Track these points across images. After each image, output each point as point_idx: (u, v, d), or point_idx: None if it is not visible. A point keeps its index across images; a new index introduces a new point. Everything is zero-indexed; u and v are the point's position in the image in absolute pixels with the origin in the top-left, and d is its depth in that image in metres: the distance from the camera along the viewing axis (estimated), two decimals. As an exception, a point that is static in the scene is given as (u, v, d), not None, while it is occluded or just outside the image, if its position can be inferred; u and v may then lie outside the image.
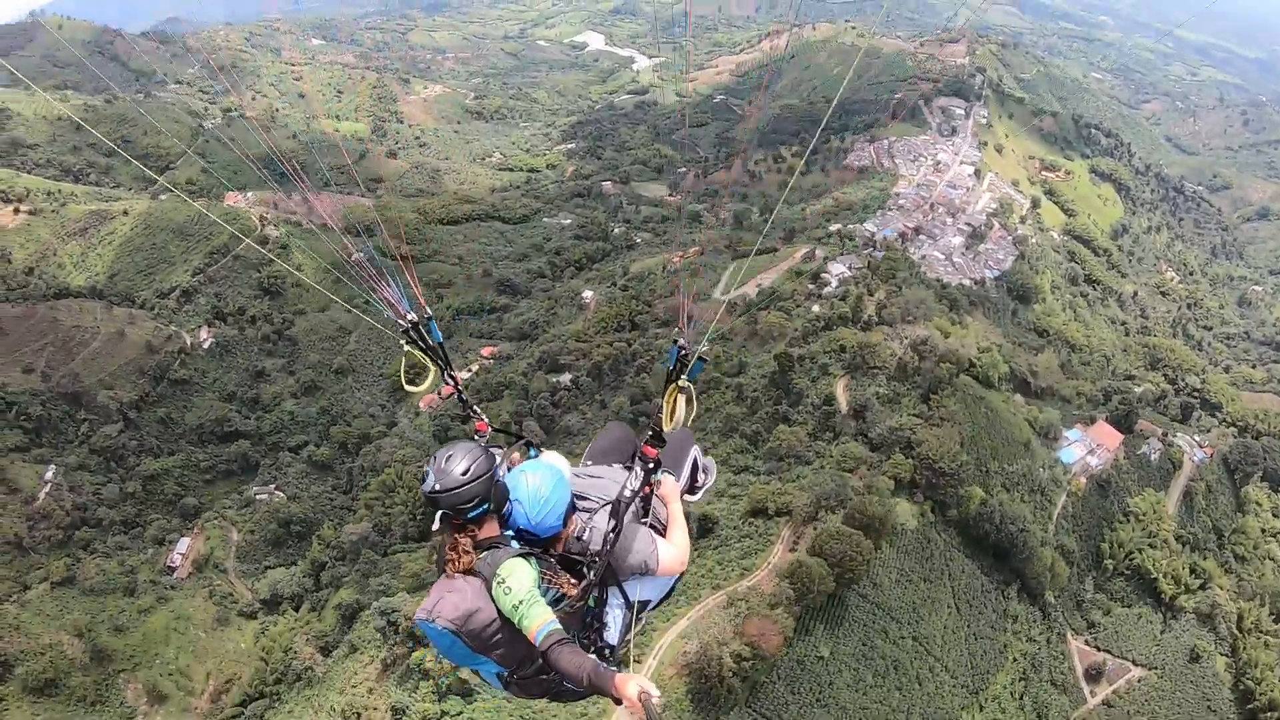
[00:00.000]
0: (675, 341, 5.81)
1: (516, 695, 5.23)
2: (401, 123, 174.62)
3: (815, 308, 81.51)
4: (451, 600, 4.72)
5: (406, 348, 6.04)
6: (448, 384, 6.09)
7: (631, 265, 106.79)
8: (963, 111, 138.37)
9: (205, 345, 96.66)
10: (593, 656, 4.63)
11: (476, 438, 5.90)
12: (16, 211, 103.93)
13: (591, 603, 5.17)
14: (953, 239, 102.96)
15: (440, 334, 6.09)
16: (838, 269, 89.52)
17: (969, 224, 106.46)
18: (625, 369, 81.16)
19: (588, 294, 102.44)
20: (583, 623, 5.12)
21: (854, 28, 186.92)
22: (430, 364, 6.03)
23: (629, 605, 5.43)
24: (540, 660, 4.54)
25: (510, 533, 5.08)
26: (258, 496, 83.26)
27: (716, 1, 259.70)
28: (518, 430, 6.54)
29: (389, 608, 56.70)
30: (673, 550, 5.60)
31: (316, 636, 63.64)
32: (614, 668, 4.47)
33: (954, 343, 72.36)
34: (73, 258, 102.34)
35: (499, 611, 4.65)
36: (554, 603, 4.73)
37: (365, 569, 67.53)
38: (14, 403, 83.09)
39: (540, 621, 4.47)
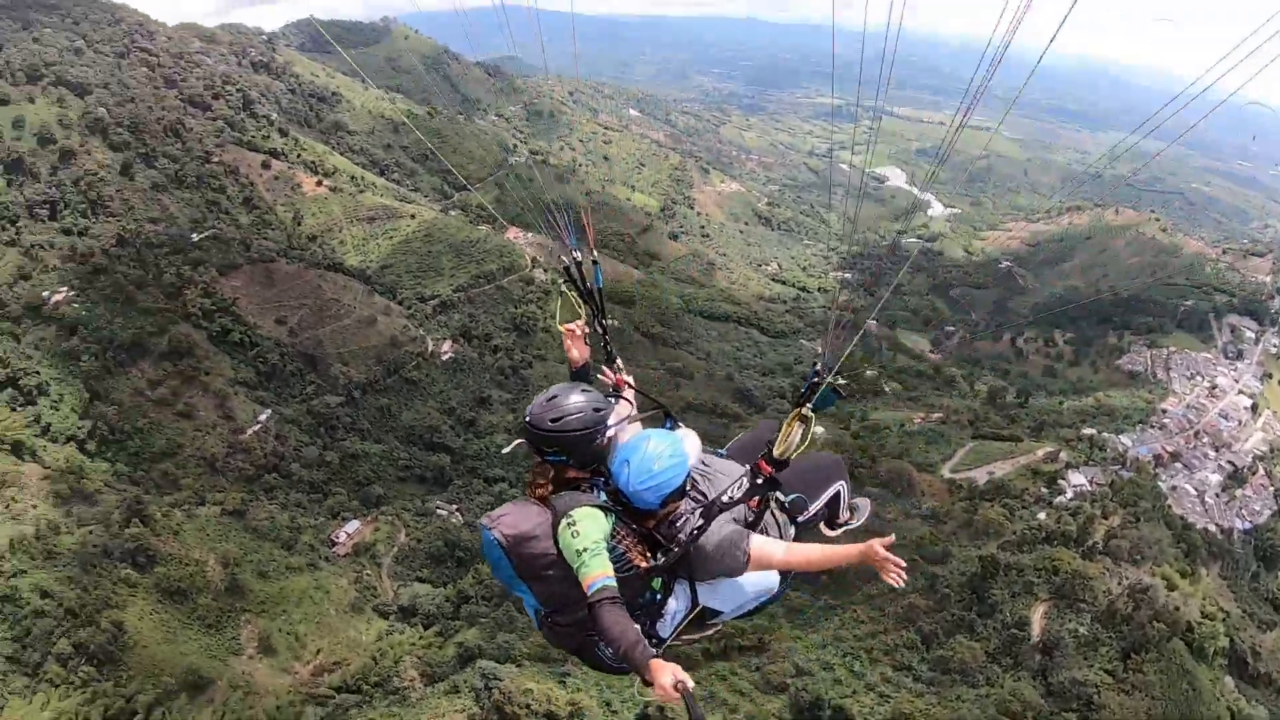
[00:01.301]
0: (814, 366, 5.84)
1: (547, 639, 5.11)
2: (691, 209, 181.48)
3: (1041, 515, 78.73)
4: (515, 517, 4.73)
5: (563, 286, 6.16)
6: (597, 330, 6.12)
7: (871, 413, 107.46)
8: (1253, 335, 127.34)
9: (444, 356, 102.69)
10: (638, 628, 4.44)
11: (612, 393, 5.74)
12: (319, 184, 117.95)
13: (656, 586, 4.99)
14: (1210, 475, 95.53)
15: (602, 280, 6.12)
16: (1077, 479, 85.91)
17: (1231, 462, 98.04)
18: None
19: (819, 430, 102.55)
20: (637, 601, 4.85)
21: (1157, 219, 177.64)
22: (584, 307, 5.98)
23: (694, 605, 5.22)
24: (584, 612, 4.42)
25: (601, 484, 5.03)
26: (438, 510, 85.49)
27: (1022, 164, 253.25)
28: (658, 399, 6.01)
29: (491, 673, 57.21)
30: (761, 566, 5.14)
31: (428, 663, 64.51)
32: (655, 651, 4.39)
33: (1178, 598, 67.94)
34: (354, 240, 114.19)
35: (558, 550, 4.58)
36: (617, 567, 4.55)
37: (501, 621, 67.16)
38: (258, 344, 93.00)
39: (599, 573, 4.38)
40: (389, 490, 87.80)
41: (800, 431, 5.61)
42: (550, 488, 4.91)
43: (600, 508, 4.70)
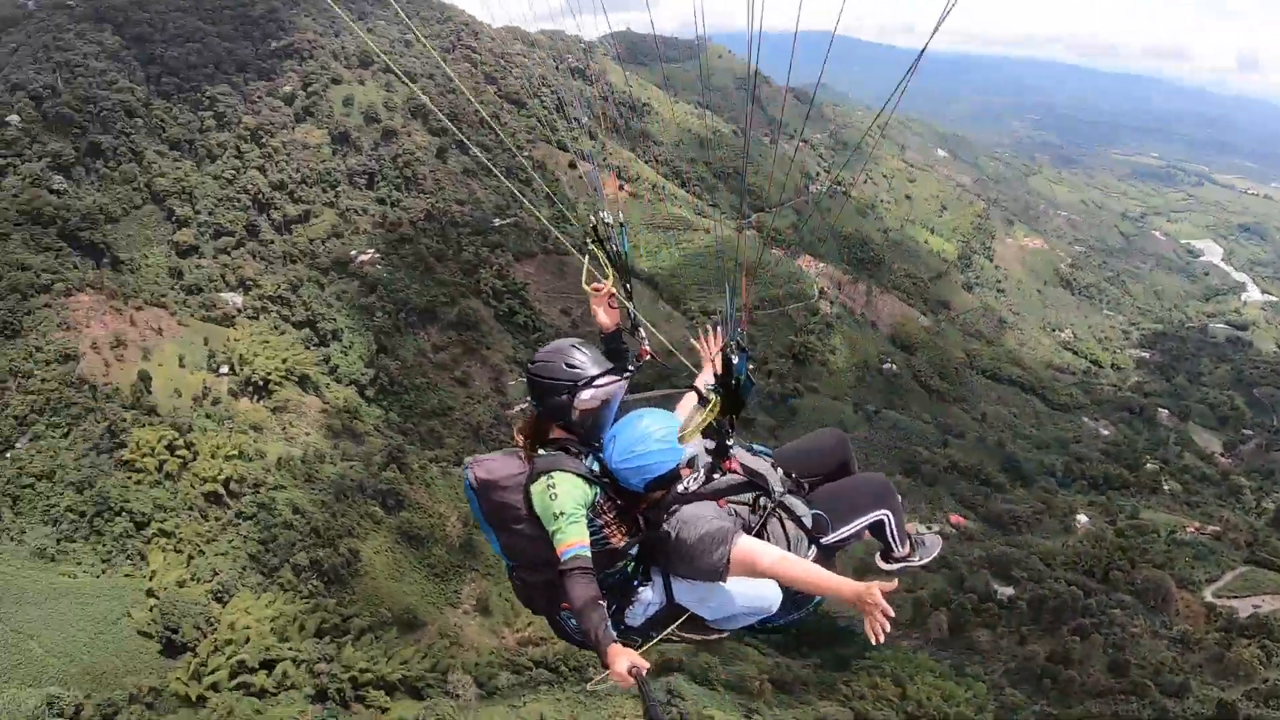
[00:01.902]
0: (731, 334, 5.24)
1: (515, 593, 4.90)
2: (990, 260, 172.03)
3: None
4: (496, 465, 4.61)
5: (591, 245, 5.68)
6: (621, 293, 5.55)
7: (1142, 510, 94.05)
8: None
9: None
10: (605, 608, 4.20)
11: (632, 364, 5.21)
12: (621, 189, 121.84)
13: (628, 569, 4.71)
14: None
15: (628, 244, 5.68)
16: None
17: None
18: (1070, 617, 73.21)
19: (1082, 519, 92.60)
20: (605, 579, 4.51)
21: None
22: (610, 270, 5.59)
23: (669, 600, 4.82)
24: (551, 574, 4.26)
25: (592, 454, 4.67)
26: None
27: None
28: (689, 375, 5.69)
29: (679, 691, 55.21)
30: (745, 569, 4.50)
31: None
32: (616, 636, 4.19)
33: None
34: (647, 246, 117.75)
35: (529, 507, 4.38)
36: (593, 541, 4.32)
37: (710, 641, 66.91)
38: (540, 329, 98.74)
39: (575, 541, 4.17)
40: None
41: (702, 414, 5.12)
42: (528, 437, 4.71)
43: (584, 477, 4.42)
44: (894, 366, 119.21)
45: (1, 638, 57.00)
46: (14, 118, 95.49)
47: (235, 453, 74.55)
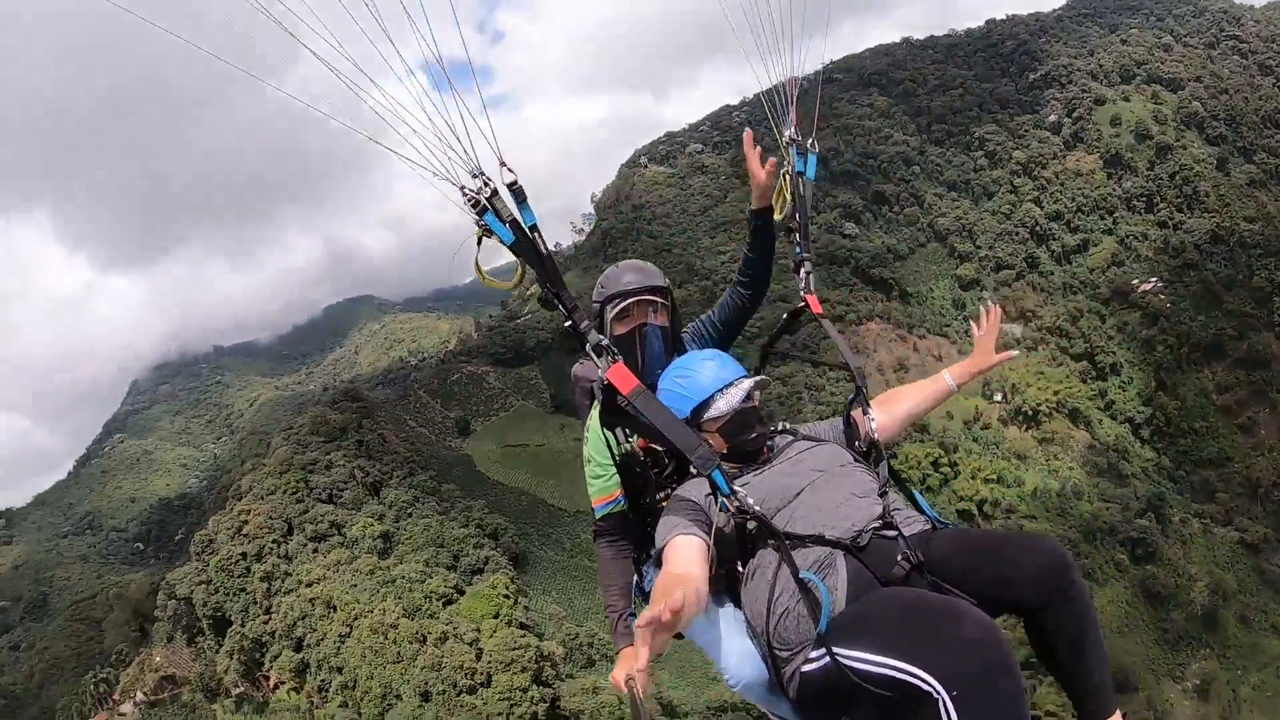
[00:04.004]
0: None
1: None
2: None
3: None
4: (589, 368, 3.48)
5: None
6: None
7: None
8: None
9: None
10: (625, 586, 3.51)
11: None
12: None
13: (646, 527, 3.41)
14: None
15: (534, 216, 3.11)
16: None
17: None
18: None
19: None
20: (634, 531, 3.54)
21: None
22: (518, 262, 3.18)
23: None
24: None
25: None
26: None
27: None
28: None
29: None
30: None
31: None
32: (630, 628, 3.36)
33: None
34: None
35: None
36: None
37: None
38: None
39: (600, 498, 3.49)
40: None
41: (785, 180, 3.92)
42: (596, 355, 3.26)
43: (611, 428, 3.40)
44: None
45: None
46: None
47: (994, 477, 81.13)
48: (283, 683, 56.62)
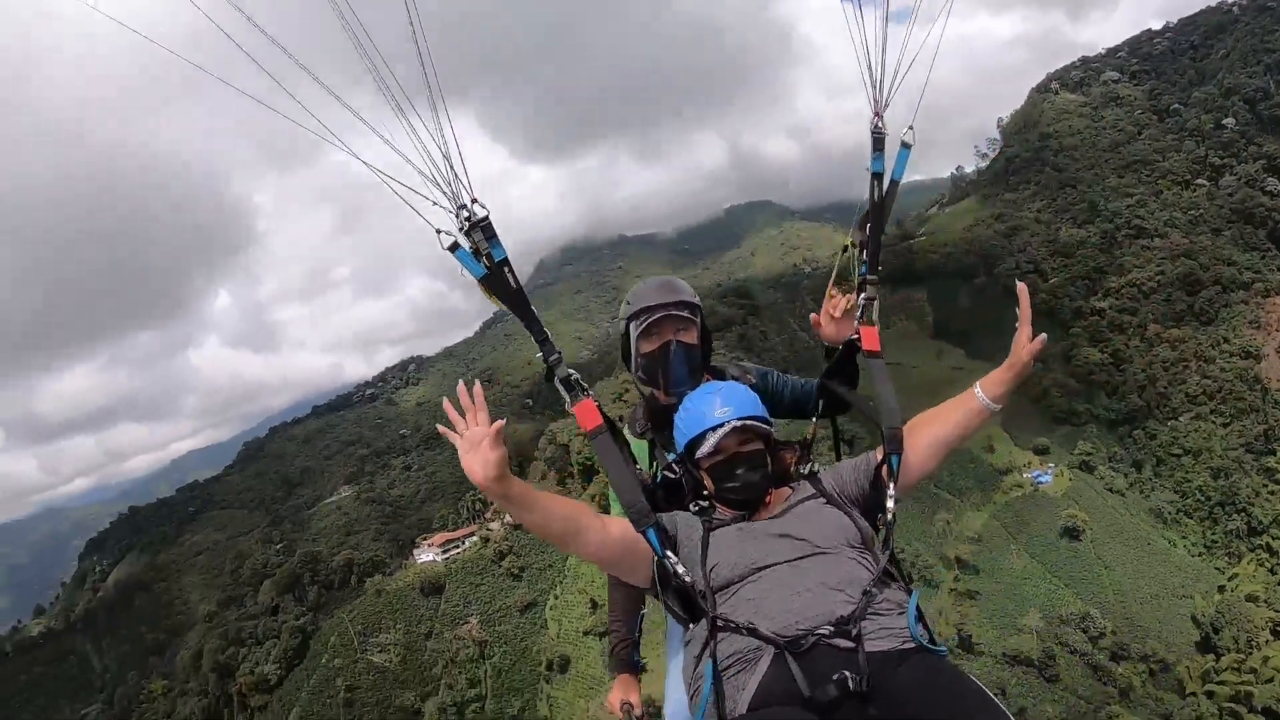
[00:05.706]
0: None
1: None
2: None
3: None
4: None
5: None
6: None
7: None
8: None
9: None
10: (631, 614, 3.59)
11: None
12: None
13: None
14: None
15: (504, 250, 2.84)
16: None
17: None
18: None
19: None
20: None
21: None
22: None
23: None
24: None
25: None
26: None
27: None
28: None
29: None
30: None
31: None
32: (633, 658, 3.59)
33: None
34: None
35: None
36: None
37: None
38: None
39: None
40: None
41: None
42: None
43: (642, 437, 3.50)
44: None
45: (1085, 556, 71.42)
46: (1229, 120, 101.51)
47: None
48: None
